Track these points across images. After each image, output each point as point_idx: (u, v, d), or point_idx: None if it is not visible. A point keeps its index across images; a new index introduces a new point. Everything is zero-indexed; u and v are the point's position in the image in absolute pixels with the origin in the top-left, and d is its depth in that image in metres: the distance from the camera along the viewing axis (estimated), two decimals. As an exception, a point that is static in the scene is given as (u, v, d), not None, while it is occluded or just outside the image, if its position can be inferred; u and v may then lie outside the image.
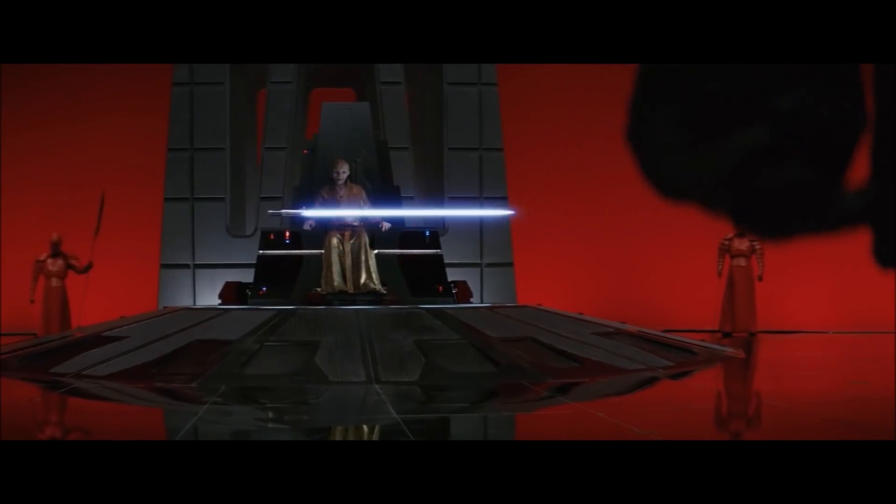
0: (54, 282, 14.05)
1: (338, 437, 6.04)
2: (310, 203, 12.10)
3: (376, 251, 11.80)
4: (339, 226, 11.73)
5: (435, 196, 16.05)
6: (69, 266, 14.16)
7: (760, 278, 14.63)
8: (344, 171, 11.84)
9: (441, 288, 12.45)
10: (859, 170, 1.19)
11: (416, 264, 12.44)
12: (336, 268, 11.55)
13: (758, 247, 14.67)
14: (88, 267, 14.10)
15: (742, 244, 14.65)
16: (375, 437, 6.06)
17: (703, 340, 12.05)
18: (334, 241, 11.64)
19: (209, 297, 14.46)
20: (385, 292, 11.63)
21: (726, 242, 14.81)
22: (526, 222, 16.15)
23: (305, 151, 14.28)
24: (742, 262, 14.63)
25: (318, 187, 12.38)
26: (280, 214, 12.82)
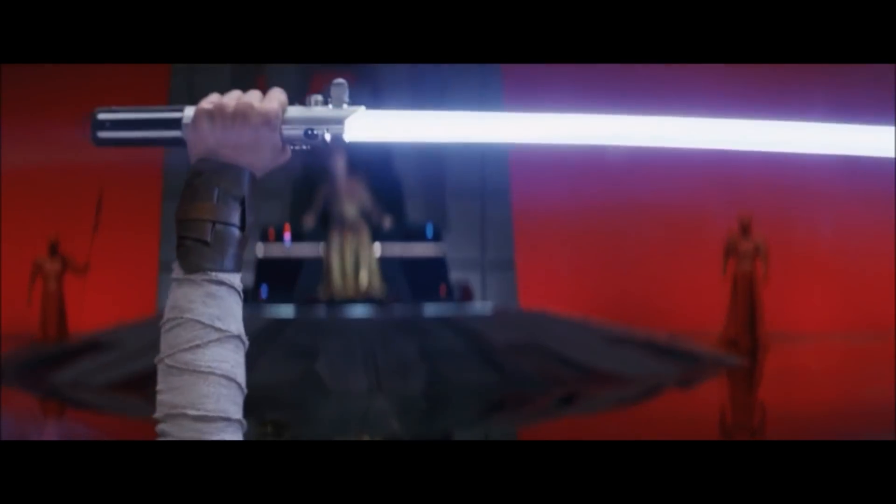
0: (52, 284, 13.92)
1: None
2: (310, 202, 11.96)
3: (379, 254, 11.65)
4: (340, 223, 11.59)
5: (434, 190, 15.91)
6: (67, 266, 14.02)
7: (765, 278, 14.06)
8: (340, 165, 11.66)
9: (443, 289, 12.32)
10: None
11: (418, 265, 12.31)
12: (337, 268, 11.40)
13: (762, 247, 14.11)
14: (85, 267, 13.97)
15: (747, 245, 14.06)
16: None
17: (711, 349, 11.91)
18: (335, 239, 11.50)
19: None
20: (387, 295, 11.47)
21: (731, 243, 14.25)
22: (529, 220, 16.01)
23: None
24: (746, 265, 14.04)
25: (319, 179, 12.25)
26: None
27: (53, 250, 14.13)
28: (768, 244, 14.21)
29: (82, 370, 9.14)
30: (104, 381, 8.74)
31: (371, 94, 15.19)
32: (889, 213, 15.32)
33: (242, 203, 1.07)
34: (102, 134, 1.17)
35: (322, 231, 11.77)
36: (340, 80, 1.14)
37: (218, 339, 1.05)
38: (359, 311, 10.76)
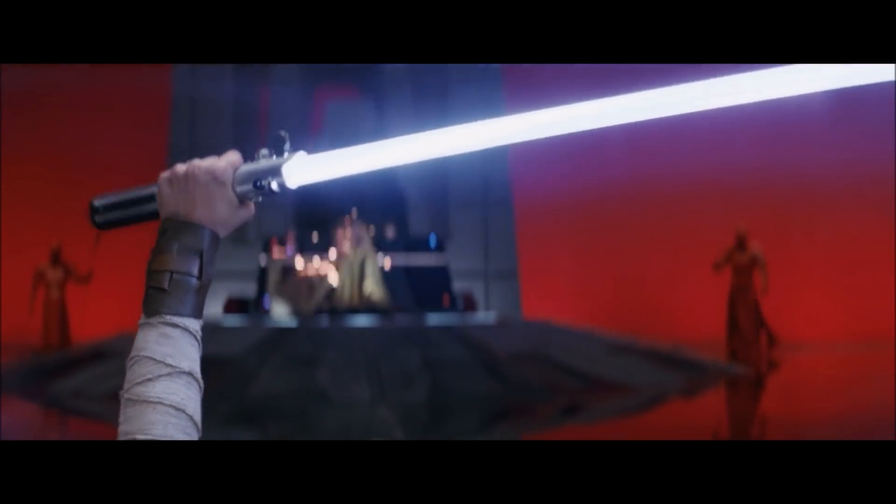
0: (54, 292, 13.87)
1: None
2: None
3: (381, 263, 11.64)
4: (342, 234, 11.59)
5: (437, 200, 15.88)
6: (69, 274, 13.97)
7: (765, 291, 13.41)
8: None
9: (447, 299, 12.31)
10: None
11: (421, 274, 12.31)
12: (340, 277, 11.39)
13: (760, 259, 13.79)
14: (88, 276, 13.92)
15: (742, 258, 13.56)
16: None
17: (714, 359, 11.86)
18: (339, 249, 11.50)
19: (211, 307, 14.29)
20: (390, 305, 11.46)
21: (727, 256, 13.59)
22: (531, 229, 15.99)
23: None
24: (742, 279, 13.52)
25: (321, 194, 12.23)
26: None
27: (55, 258, 14.08)
28: (765, 256, 13.82)
29: (84, 379, 9.13)
30: (106, 390, 8.72)
31: (375, 108, 15.21)
32: (889, 222, 15.29)
33: (201, 256, 1.17)
34: (99, 218, 1.28)
35: (325, 242, 11.76)
36: (281, 132, 1.22)
37: (168, 374, 1.14)
38: (362, 320, 10.74)
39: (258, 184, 1.19)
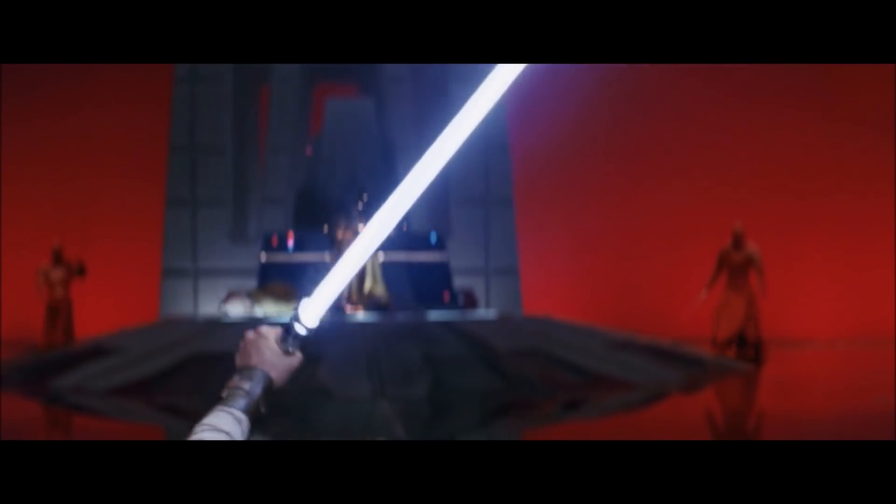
0: (59, 291, 13.88)
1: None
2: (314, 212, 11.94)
3: (382, 260, 11.64)
4: (344, 231, 11.59)
5: (438, 197, 15.87)
6: (71, 273, 13.98)
7: (763, 293, 13.05)
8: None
9: (447, 296, 12.31)
10: None
11: (422, 272, 12.30)
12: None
13: (756, 258, 13.14)
14: (81, 268, 13.93)
15: (738, 257, 13.18)
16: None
17: (715, 355, 11.87)
18: (339, 246, 11.50)
19: (212, 303, 14.32)
20: (391, 301, 11.46)
21: (723, 255, 13.24)
22: (532, 226, 15.99)
23: (309, 152, 14.18)
24: (738, 279, 13.14)
25: (322, 192, 12.22)
26: None
27: (57, 258, 14.09)
28: (762, 256, 13.50)
29: (85, 375, 9.14)
30: (106, 385, 8.74)
31: (375, 108, 15.17)
32: (889, 220, 15.30)
33: (251, 379, 1.67)
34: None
35: (325, 239, 11.75)
36: (299, 297, 1.66)
37: (212, 430, 1.62)
38: (363, 316, 10.76)
39: (289, 331, 1.63)
